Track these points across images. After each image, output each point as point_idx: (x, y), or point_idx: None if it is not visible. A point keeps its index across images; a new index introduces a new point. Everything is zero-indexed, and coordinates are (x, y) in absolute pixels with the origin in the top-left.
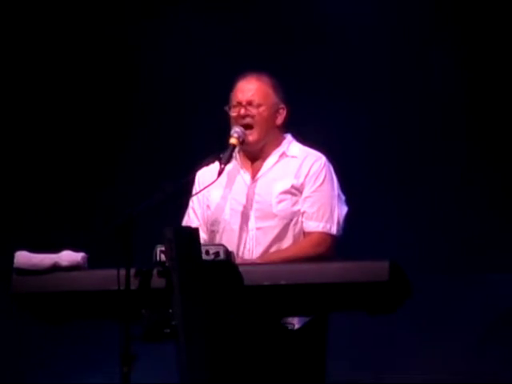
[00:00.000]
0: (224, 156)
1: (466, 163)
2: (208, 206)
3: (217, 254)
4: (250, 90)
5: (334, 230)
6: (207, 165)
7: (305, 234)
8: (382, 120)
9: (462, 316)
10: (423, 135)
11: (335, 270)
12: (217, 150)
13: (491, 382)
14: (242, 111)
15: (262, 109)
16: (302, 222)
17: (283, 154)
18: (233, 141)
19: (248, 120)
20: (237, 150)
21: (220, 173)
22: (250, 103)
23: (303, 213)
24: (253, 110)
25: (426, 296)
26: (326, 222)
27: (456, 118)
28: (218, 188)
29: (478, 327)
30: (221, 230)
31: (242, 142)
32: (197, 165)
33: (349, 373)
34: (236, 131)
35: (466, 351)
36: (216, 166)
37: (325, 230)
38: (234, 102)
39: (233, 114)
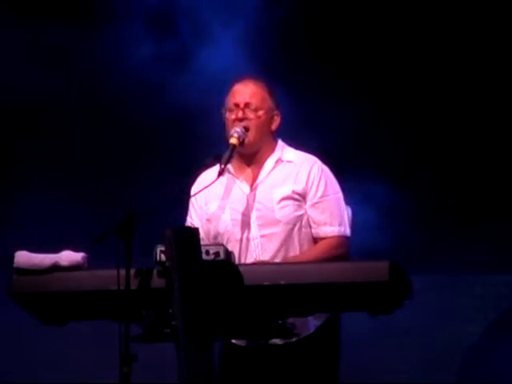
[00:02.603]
0: (224, 156)
1: (464, 162)
2: (208, 220)
3: (217, 253)
4: (248, 93)
5: (347, 232)
6: (207, 165)
7: (318, 239)
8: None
9: (461, 316)
10: (421, 134)
11: (335, 270)
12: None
13: (491, 382)
14: (240, 114)
15: (259, 113)
16: (310, 228)
17: (279, 160)
18: (233, 141)
19: (245, 122)
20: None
21: (220, 173)
22: (247, 106)
23: (314, 220)
24: (250, 114)
25: (425, 296)
26: (340, 225)
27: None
28: (216, 200)
29: (478, 327)
30: (225, 242)
31: (242, 142)
32: (196, 165)
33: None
34: (236, 131)
35: (466, 351)
36: (214, 173)
37: (340, 233)
38: (230, 105)
39: (230, 116)
